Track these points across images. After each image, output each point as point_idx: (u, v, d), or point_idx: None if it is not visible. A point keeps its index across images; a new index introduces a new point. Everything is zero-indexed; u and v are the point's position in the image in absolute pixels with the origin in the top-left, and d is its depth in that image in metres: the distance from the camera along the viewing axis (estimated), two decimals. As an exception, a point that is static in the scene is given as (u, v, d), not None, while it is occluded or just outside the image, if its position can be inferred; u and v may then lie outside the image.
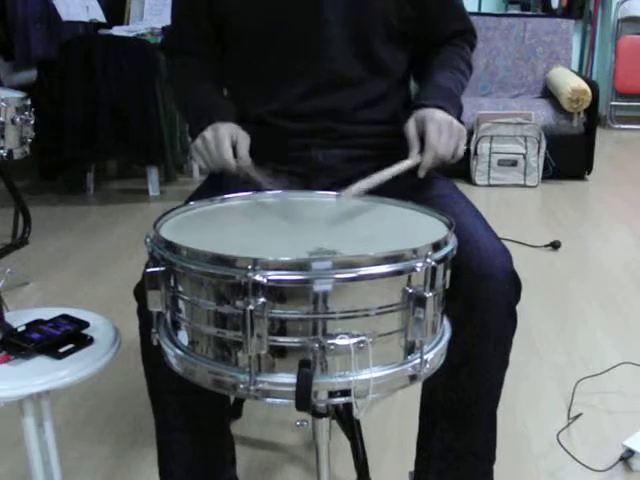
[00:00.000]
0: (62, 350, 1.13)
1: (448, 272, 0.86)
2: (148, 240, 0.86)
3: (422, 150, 1.13)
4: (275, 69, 1.26)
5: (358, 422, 1.36)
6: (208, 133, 1.16)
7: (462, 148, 1.14)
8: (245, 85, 1.31)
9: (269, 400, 0.80)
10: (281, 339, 0.77)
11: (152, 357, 1.05)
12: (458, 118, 1.18)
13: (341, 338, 0.77)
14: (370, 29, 1.24)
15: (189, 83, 1.33)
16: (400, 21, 1.25)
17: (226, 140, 1.14)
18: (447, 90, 1.22)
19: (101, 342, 1.18)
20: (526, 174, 4.02)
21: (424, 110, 1.16)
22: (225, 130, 1.16)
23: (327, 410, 0.90)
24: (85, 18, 3.73)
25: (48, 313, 1.25)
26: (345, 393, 0.80)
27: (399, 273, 0.78)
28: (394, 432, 1.66)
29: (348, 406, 1.24)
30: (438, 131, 1.12)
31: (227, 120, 1.18)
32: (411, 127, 1.16)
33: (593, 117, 4.09)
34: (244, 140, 1.17)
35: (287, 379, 0.78)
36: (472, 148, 4.03)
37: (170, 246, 0.82)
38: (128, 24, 4.07)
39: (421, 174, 1.12)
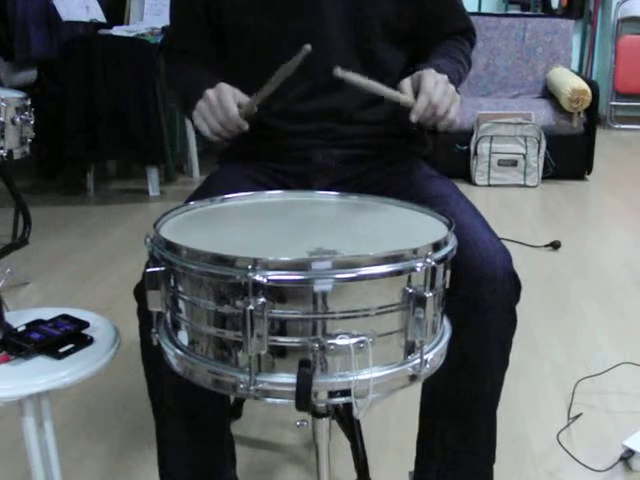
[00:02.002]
0: (62, 350, 1.13)
1: (448, 272, 0.86)
2: (148, 240, 0.85)
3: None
4: (275, 70, 1.26)
5: (358, 422, 1.36)
6: (210, 92, 1.14)
7: (454, 112, 1.11)
8: (244, 86, 1.31)
9: (269, 400, 0.80)
10: (281, 339, 0.77)
11: (152, 357, 1.05)
12: None
13: (341, 338, 0.77)
14: (370, 29, 1.24)
15: (189, 76, 1.32)
16: (400, 21, 1.25)
17: (229, 95, 1.12)
18: (445, 73, 1.19)
19: (101, 342, 1.18)
20: (526, 174, 4.02)
21: (421, 70, 1.13)
22: (228, 88, 1.14)
23: (327, 410, 0.90)
24: (85, 18, 3.74)
25: (48, 313, 1.25)
26: (345, 393, 0.80)
27: (399, 273, 0.78)
28: (394, 432, 1.66)
29: (348, 406, 1.24)
30: (434, 82, 1.09)
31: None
32: (406, 81, 1.12)
33: (593, 117, 4.09)
34: (249, 102, 1.14)
35: (287, 379, 0.78)
36: (472, 148, 4.03)
37: (170, 246, 0.81)
38: (128, 24, 4.07)
39: (413, 118, 1.08)
